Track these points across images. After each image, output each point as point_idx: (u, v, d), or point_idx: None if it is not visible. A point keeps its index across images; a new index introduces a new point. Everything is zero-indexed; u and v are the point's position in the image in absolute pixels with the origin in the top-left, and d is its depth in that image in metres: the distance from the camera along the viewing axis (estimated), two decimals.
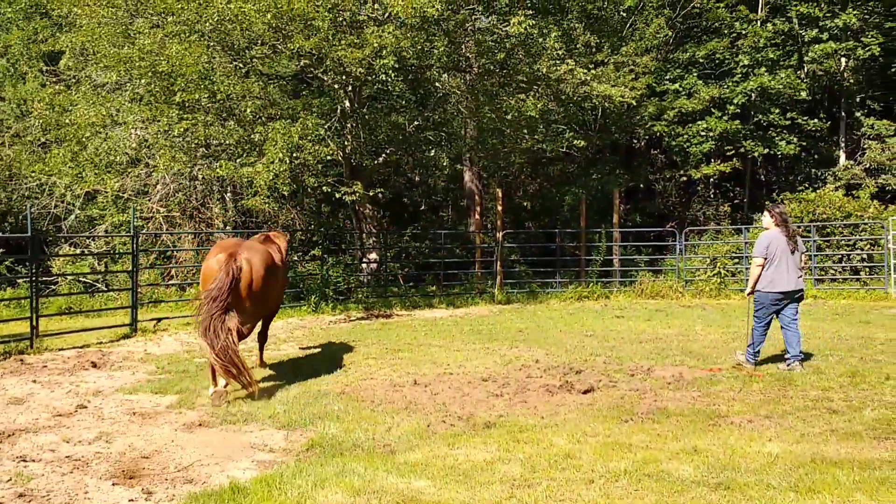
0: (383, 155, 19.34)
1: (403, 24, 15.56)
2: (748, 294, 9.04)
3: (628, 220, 26.52)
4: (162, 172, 18.31)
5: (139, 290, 14.66)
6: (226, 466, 5.59)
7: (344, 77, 16.24)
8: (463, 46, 18.69)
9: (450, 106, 20.46)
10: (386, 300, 18.03)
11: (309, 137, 15.17)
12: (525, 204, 28.00)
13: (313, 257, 19.10)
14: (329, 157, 16.35)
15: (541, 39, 17.43)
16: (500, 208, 21.21)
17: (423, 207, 29.00)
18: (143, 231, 18.91)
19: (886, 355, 9.35)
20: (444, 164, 27.47)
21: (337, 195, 16.92)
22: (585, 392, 7.64)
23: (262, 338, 9.73)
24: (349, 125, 17.17)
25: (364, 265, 19.38)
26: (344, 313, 16.15)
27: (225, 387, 7.60)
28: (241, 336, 7.90)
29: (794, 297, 8.69)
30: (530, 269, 22.14)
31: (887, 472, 4.95)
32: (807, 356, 9.14)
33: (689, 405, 6.99)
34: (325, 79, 16.80)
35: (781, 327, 8.82)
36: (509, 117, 18.39)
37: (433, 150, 21.37)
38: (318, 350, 11.02)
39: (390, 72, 15.35)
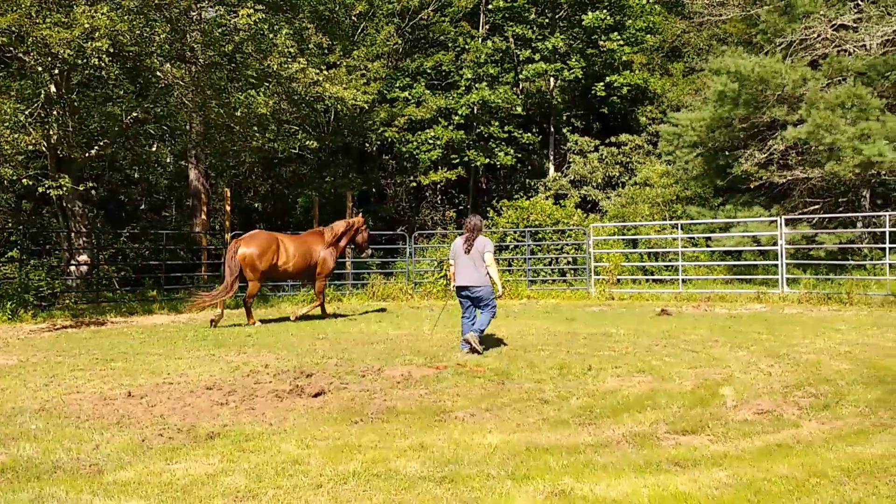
0: (96, 147, 17.66)
1: (120, 6, 14.35)
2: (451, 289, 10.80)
3: None
4: None
5: None
6: None
7: (49, 59, 14.59)
8: (188, 35, 17.67)
9: (173, 98, 19.21)
10: (98, 306, 16.49)
11: (6, 124, 13.45)
12: (256, 205, 27.28)
13: (11, 259, 16.96)
14: (31, 147, 14.60)
15: (271, 35, 17.03)
16: (228, 209, 20.37)
17: (143, 206, 27.12)
18: None
19: (588, 348, 10.28)
20: (168, 160, 25.90)
21: (40, 189, 15.16)
22: (316, 395, 7.49)
23: (319, 295, 14.67)
24: (55, 112, 15.46)
25: (72, 268, 17.57)
26: (48, 321, 14.49)
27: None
28: (251, 294, 13.92)
29: (471, 291, 9.93)
30: None
31: (590, 455, 5.36)
32: (491, 347, 9.81)
33: (416, 403, 7.11)
34: (27, 60, 14.99)
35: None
36: (238, 113, 17.73)
37: (155, 145, 19.91)
38: (15, 363, 9.71)
39: (104, 56, 14.05)
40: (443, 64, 27.21)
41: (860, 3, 19.85)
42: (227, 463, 5.35)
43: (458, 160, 27.40)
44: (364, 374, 8.64)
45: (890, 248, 16.97)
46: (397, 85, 26.94)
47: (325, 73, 19.32)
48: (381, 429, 6.20)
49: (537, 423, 6.30)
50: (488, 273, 9.93)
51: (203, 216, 21.76)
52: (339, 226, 14.78)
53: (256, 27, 15.98)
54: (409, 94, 26.68)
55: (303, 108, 21.09)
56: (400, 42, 26.81)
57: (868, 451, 5.26)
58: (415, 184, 28.27)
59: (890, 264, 16.93)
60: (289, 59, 17.51)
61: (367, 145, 28.53)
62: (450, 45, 27.75)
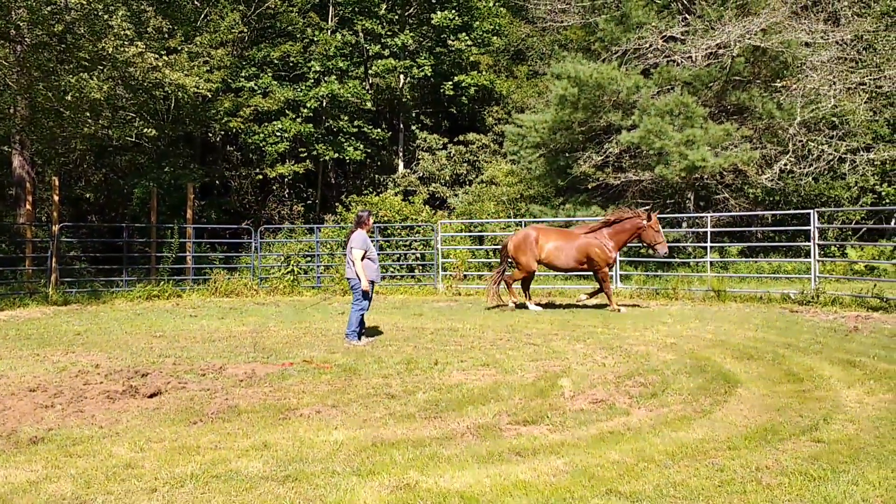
0: None
1: None
2: None
3: (203, 217, 25.85)
4: None
5: None
6: None
7: None
8: (13, 13, 16.32)
9: None
10: None
11: None
12: (88, 196, 25.63)
13: None
14: None
15: (106, 16, 16.02)
16: (56, 199, 18.99)
17: None
18: None
19: (435, 343, 10.43)
20: None
21: None
22: (152, 396, 7.14)
23: (602, 286, 14.48)
24: None
25: None
26: None
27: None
28: (511, 278, 14.90)
29: (349, 282, 10.47)
30: (93, 266, 20.30)
31: (435, 448, 5.45)
32: (371, 335, 9.82)
33: (260, 401, 6.95)
34: None
35: None
36: (69, 98, 16.57)
37: None
38: None
39: None
40: (291, 55, 26.65)
41: (687, 17, 21.32)
42: (52, 469, 5.04)
43: (306, 154, 26.96)
44: (204, 372, 8.34)
45: (711, 247, 18.38)
46: (243, 74, 26.12)
47: (165, 58, 18.45)
48: (222, 429, 6.01)
49: (384, 418, 6.33)
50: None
51: (28, 206, 20.16)
52: (608, 219, 14.71)
53: (90, 7, 14.99)
54: (256, 85, 25.95)
55: (140, 94, 19.99)
56: (245, 30, 26.01)
57: (690, 435, 5.67)
58: (261, 176, 27.54)
59: (711, 262, 18.32)
60: (125, 43, 16.56)
61: (211, 135, 27.48)
62: (298, 35, 27.23)
